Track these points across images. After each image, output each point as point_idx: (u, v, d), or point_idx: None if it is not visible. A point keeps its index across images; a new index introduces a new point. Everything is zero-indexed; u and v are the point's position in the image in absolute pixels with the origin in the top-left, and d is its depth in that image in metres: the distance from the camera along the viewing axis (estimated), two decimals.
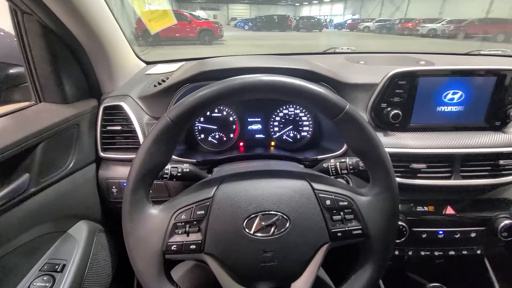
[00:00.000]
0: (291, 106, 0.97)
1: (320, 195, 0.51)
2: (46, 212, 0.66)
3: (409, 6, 21.53)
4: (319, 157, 0.76)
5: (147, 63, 1.13)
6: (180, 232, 0.44)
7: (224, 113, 0.96)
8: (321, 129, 0.95)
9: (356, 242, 0.47)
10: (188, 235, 0.44)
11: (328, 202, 0.50)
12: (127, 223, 0.43)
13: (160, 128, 0.43)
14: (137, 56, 1.02)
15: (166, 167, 0.64)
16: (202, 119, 0.96)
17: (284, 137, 0.98)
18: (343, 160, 0.68)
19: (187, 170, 0.66)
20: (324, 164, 0.69)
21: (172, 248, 0.43)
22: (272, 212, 0.45)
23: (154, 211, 0.46)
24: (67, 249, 0.69)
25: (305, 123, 0.98)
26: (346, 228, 0.46)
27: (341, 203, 0.51)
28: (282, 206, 0.45)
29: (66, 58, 0.71)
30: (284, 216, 0.45)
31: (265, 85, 0.46)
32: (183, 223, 0.44)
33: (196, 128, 0.96)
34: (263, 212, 0.45)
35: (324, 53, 1.34)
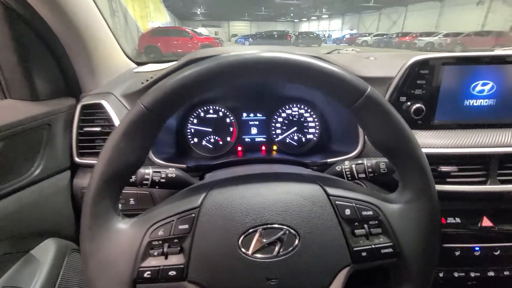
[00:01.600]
0: (295, 105, 0.87)
1: (337, 202, 0.40)
2: (2, 228, 0.54)
3: (405, 20, 22.05)
4: (329, 160, 0.65)
5: (138, 63, 1.04)
6: (156, 253, 0.35)
7: (220, 113, 0.86)
8: (330, 131, 0.84)
9: (386, 264, 0.37)
10: (166, 258, 0.35)
11: (347, 211, 0.39)
12: (86, 243, 0.35)
13: (131, 118, 0.35)
14: (127, 56, 0.93)
15: (147, 171, 0.53)
16: (195, 120, 0.85)
17: (287, 140, 0.87)
18: (359, 161, 0.56)
19: (173, 175, 0.54)
20: (337, 167, 0.58)
21: (145, 275, 0.34)
22: (276, 226, 0.36)
23: (124, 226, 0.37)
24: (28, 273, 0.57)
25: (310, 124, 0.88)
26: (373, 246, 0.37)
27: (364, 213, 0.39)
28: (288, 218, 0.36)
29: (38, 49, 0.62)
30: (292, 231, 0.36)
31: (265, 63, 0.36)
32: (160, 242, 0.35)
33: (188, 131, 0.85)
34: (265, 226, 0.36)
35: (327, 54, 1.26)
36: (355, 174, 0.57)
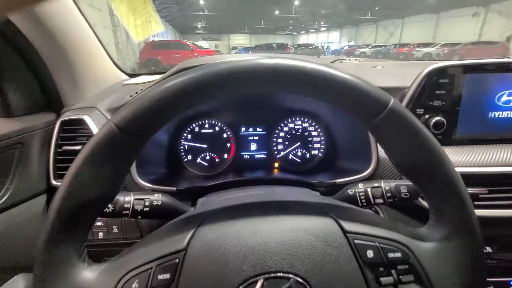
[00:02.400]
0: (298, 118, 0.80)
1: (356, 241, 0.32)
2: None
3: (402, 32, 22.44)
4: (338, 180, 0.57)
5: (130, 75, 0.97)
6: None
7: (216, 128, 0.79)
8: (336, 147, 0.77)
9: None
10: None
11: (370, 253, 0.31)
12: None
13: (98, 141, 0.29)
14: (117, 67, 0.86)
15: (127, 199, 0.45)
16: (189, 136, 0.78)
17: (290, 157, 0.80)
18: (376, 184, 0.49)
19: (158, 203, 0.46)
20: (349, 191, 0.50)
21: None
22: (281, 275, 0.29)
23: (89, 275, 0.31)
24: None
25: (315, 139, 0.80)
26: None
27: (391, 255, 0.31)
28: (296, 264, 0.29)
29: (12, 60, 0.55)
30: (301, 281, 0.29)
31: (265, 71, 0.29)
32: None
33: (181, 147, 0.78)
34: (267, 275, 0.29)
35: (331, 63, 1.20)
36: (371, 199, 0.48)
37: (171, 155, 0.76)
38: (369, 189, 0.49)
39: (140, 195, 0.47)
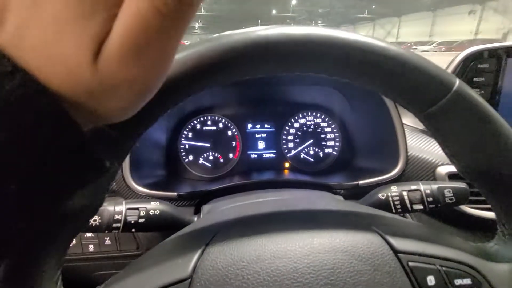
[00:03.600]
0: (309, 113, 0.73)
1: (411, 264, 0.24)
2: None
3: (399, 30, 22.46)
4: (361, 182, 0.49)
5: None
6: None
7: (220, 125, 0.71)
8: (353, 144, 0.69)
9: None
10: None
11: (431, 280, 0.24)
12: None
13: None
14: None
15: (118, 209, 0.37)
16: (190, 134, 0.70)
17: (302, 156, 0.72)
18: (413, 187, 0.41)
19: (156, 212, 0.39)
20: (379, 195, 0.42)
21: None
22: None
23: None
24: None
25: (329, 136, 0.73)
26: None
27: (458, 282, 0.24)
28: None
29: None
30: None
31: (289, 43, 0.22)
32: None
33: (182, 147, 0.70)
34: None
35: None
36: (408, 205, 0.41)
37: (170, 156, 0.68)
38: (405, 193, 0.42)
39: (133, 203, 0.39)
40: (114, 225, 0.37)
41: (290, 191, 0.50)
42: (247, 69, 0.22)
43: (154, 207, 0.40)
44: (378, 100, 0.55)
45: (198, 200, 0.55)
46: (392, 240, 0.25)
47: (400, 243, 0.25)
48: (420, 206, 0.41)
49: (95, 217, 0.37)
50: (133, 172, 0.52)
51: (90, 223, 0.36)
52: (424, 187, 0.41)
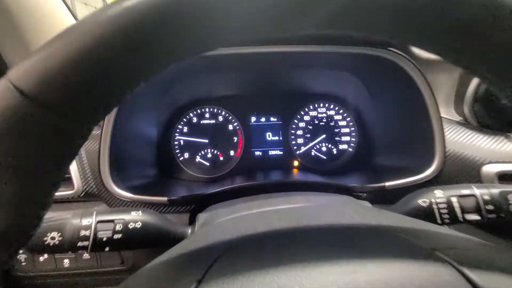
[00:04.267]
0: (321, 104, 0.64)
1: None
2: None
3: None
4: (388, 184, 0.41)
5: None
6: None
7: (220, 118, 0.62)
8: (371, 138, 0.61)
9: None
10: None
11: None
12: None
13: None
14: None
15: (86, 223, 0.28)
16: (185, 128, 0.62)
17: (313, 153, 0.64)
18: (465, 191, 0.32)
19: (137, 225, 0.30)
20: (420, 201, 0.34)
21: None
22: None
23: None
24: None
25: (344, 130, 0.64)
26: None
27: None
28: None
29: None
30: None
31: None
32: None
33: (176, 143, 0.61)
34: None
35: None
36: (459, 215, 0.32)
37: (163, 153, 0.60)
38: (454, 199, 0.33)
39: (107, 214, 0.30)
40: (80, 243, 0.28)
41: (303, 195, 0.41)
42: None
43: (135, 218, 0.31)
44: (407, 85, 0.45)
45: (193, 206, 0.47)
46: (471, 274, 0.16)
47: (483, 278, 0.16)
48: (476, 217, 0.32)
49: (54, 234, 0.28)
50: (114, 172, 0.43)
51: (46, 241, 0.27)
52: (481, 192, 0.32)
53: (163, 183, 0.54)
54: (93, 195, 0.48)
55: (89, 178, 0.47)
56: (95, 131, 0.43)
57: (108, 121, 0.42)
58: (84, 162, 0.47)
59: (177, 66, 0.50)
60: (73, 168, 0.46)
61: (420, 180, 0.45)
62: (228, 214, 0.35)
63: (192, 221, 0.44)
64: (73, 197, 0.48)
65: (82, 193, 0.48)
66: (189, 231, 0.36)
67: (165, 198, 0.44)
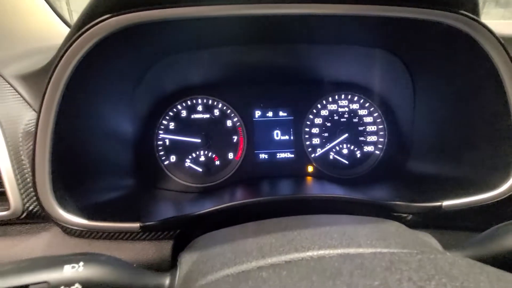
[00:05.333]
0: (342, 96, 0.53)
1: None
2: None
3: None
4: (446, 203, 0.28)
5: None
6: None
7: (216, 111, 0.50)
8: (405, 138, 0.48)
9: None
10: None
11: None
12: None
13: None
14: (65, 22, 0.57)
15: None
16: (172, 124, 0.49)
17: (331, 156, 0.52)
18: None
19: None
20: None
21: None
22: None
23: None
24: None
25: (370, 128, 0.52)
26: None
27: None
28: None
29: None
30: None
31: None
32: None
33: (159, 143, 0.49)
34: None
35: None
36: None
37: (141, 157, 0.46)
38: None
39: (15, 273, 0.17)
40: None
41: (337, 222, 0.28)
42: None
43: (69, 278, 0.18)
44: (480, 68, 0.33)
45: (178, 232, 0.34)
46: None
47: None
48: None
49: None
50: (61, 187, 0.30)
51: None
52: None
53: (139, 198, 0.41)
54: (39, 217, 0.34)
55: (31, 194, 0.34)
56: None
57: (48, 109, 0.28)
58: (25, 171, 0.34)
59: (157, 40, 0.37)
60: (8, 178, 0.33)
61: (490, 198, 0.33)
62: (227, 263, 0.22)
63: (176, 254, 0.31)
64: (11, 220, 0.35)
65: (22, 213, 0.34)
66: (167, 282, 0.24)
67: (137, 224, 0.31)
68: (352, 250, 0.22)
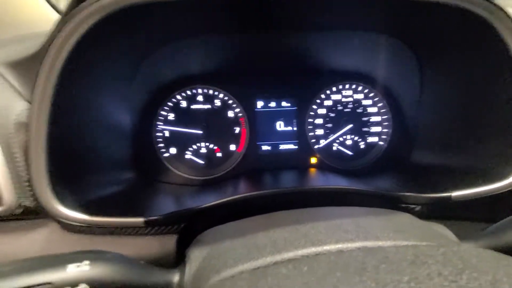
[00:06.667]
0: (347, 85, 0.51)
1: None
2: None
3: None
4: (455, 194, 0.27)
5: None
6: None
7: (217, 102, 0.49)
8: (411, 128, 0.48)
9: None
10: None
11: None
12: None
13: None
14: (56, 9, 0.54)
15: None
16: (171, 115, 0.48)
17: (335, 147, 0.51)
18: None
19: None
20: None
21: None
22: None
23: None
24: None
25: (374, 118, 0.52)
26: None
27: None
28: None
29: None
30: None
31: None
32: None
33: (159, 134, 0.47)
34: None
35: None
36: None
37: (140, 149, 0.45)
38: None
39: (15, 273, 0.16)
40: None
41: (348, 214, 0.28)
42: None
43: (73, 278, 0.17)
44: (495, 55, 0.32)
45: (181, 228, 0.33)
46: None
47: None
48: None
49: None
50: (60, 181, 0.28)
51: None
52: None
53: (140, 192, 0.40)
54: (36, 213, 0.33)
55: (27, 189, 0.32)
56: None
57: (42, 99, 0.26)
58: (18, 164, 0.32)
59: (155, 26, 0.34)
60: (0, 172, 0.31)
61: (499, 189, 0.33)
62: (240, 259, 0.21)
63: (180, 249, 0.31)
64: (6, 216, 0.33)
65: (18, 209, 0.33)
66: (176, 278, 0.23)
67: (140, 219, 0.30)
68: (370, 244, 0.21)
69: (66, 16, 0.28)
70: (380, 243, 0.21)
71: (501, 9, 0.30)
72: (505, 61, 0.31)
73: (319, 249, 0.20)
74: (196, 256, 0.24)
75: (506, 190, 0.33)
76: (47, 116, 0.27)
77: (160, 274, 0.23)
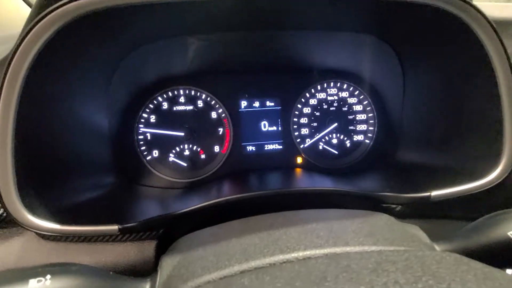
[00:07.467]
0: (332, 83, 0.50)
1: None
2: None
3: None
4: (435, 193, 0.28)
5: None
6: None
7: (200, 102, 0.49)
8: (395, 126, 0.48)
9: None
10: None
11: None
12: None
13: None
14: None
15: None
16: (153, 117, 0.47)
17: (321, 147, 0.50)
18: None
19: None
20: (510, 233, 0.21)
21: None
22: None
23: None
24: None
25: (359, 116, 0.52)
26: None
27: None
28: None
29: None
30: None
31: None
32: None
33: (140, 137, 0.46)
34: None
35: None
36: None
37: (121, 152, 0.44)
38: None
39: None
40: None
41: (325, 217, 0.27)
42: None
43: None
44: (471, 54, 0.31)
45: (161, 232, 0.32)
46: None
47: None
48: None
49: None
50: (29, 189, 0.27)
51: None
52: None
53: (118, 197, 0.39)
54: (10, 222, 0.32)
55: None
56: None
57: (6, 107, 0.25)
58: None
59: (132, 26, 0.33)
60: None
61: (478, 187, 0.33)
62: (208, 267, 0.20)
63: (160, 255, 0.30)
64: None
65: None
66: (148, 286, 0.22)
67: (115, 227, 0.29)
68: (338, 250, 0.21)
69: (30, 23, 0.27)
70: (348, 249, 0.21)
71: (477, 9, 0.29)
72: (481, 61, 0.31)
73: (286, 256, 0.20)
74: (167, 263, 0.24)
75: (485, 188, 0.33)
76: (12, 125, 0.26)
77: (130, 284, 0.22)
